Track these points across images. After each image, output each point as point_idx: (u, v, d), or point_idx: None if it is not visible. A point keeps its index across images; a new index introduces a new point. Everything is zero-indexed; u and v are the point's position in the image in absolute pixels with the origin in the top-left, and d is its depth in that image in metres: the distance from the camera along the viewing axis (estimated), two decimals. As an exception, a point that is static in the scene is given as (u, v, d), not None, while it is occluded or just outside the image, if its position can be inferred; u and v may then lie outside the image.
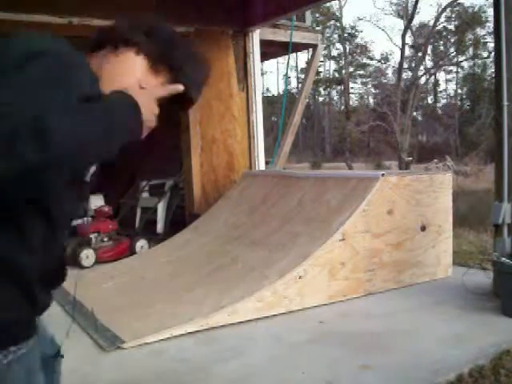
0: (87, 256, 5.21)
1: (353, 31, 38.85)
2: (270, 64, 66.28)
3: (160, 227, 6.70)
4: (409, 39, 31.75)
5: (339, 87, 41.50)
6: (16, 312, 1.04)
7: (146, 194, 7.25)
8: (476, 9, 30.84)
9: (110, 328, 3.31)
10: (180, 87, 1.16)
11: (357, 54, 39.53)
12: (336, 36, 38.48)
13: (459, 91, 39.96)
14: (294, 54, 27.92)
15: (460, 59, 34.16)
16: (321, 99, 44.10)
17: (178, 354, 2.96)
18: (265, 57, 7.63)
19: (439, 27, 31.66)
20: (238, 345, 3.08)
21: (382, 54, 42.99)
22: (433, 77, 36.13)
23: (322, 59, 35.45)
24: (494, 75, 4.06)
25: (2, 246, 0.98)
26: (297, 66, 41.49)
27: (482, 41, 31.36)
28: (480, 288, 3.94)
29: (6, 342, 1.02)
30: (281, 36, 6.96)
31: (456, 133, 32.79)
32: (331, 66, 42.24)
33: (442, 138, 34.72)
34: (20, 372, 1.04)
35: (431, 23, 30.33)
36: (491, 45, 29.19)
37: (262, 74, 24.52)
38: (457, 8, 30.85)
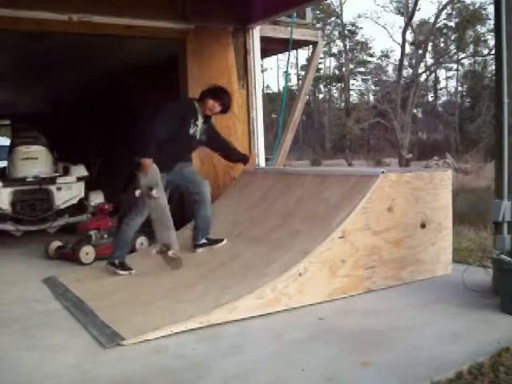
0: (87, 253, 5.21)
1: (353, 28, 38.82)
2: (270, 61, 66.17)
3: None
4: (409, 36, 31.72)
5: (339, 84, 41.46)
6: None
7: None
8: (476, 6, 30.82)
9: (110, 325, 3.31)
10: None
11: (357, 51, 39.49)
12: (336, 33, 38.44)
13: (459, 88, 39.91)
14: (295, 51, 27.90)
15: (460, 56, 34.11)
16: (321, 96, 44.08)
17: (178, 351, 2.96)
18: (265, 54, 7.61)
19: (440, 24, 31.65)
20: (239, 341, 3.08)
21: (382, 51, 42.82)
22: (433, 74, 36.10)
23: (322, 56, 35.41)
24: (494, 72, 4.05)
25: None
26: (297, 63, 41.46)
27: (482, 38, 31.31)
28: (480, 285, 3.94)
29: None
30: (281, 33, 6.94)
31: (456, 130, 32.76)
32: (331, 63, 42.20)
33: (442, 135, 34.68)
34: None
35: (432, 20, 30.33)
36: (492, 42, 29.18)
37: (262, 71, 24.48)
38: (457, 5, 30.81)
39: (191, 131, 4.55)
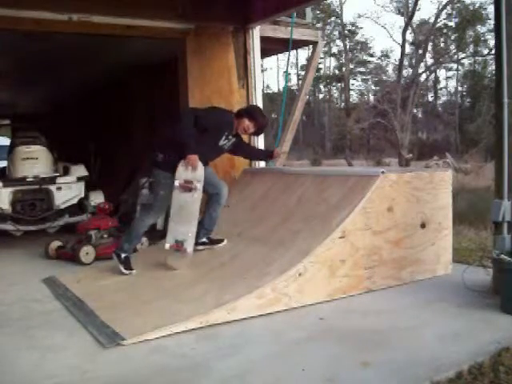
0: (87, 253, 5.21)
1: (353, 28, 38.82)
2: (270, 61, 66.20)
3: (160, 224, 6.69)
4: (409, 36, 31.72)
5: (339, 84, 41.46)
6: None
7: (146, 191, 7.23)
8: (476, 6, 30.78)
9: (110, 325, 3.31)
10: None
11: (357, 50, 39.50)
12: (336, 33, 38.44)
13: (459, 88, 39.92)
14: (294, 51, 27.90)
15: (460, 56, 34.10)
16: (321, 96, 44.09)
17: (177, 351, 2.96)
18: (265, 53, 7.61)
19: (440, 24, 31.61)
20: (238, 341, 3.08)
21: (382, 51, 42.86)
22: (433, 74, 36.08)
23: (322, 56, 35.40)
24: (494, 72, 4.05)
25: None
26: (297, 63, 41.47)
27: (482, 38, 31.31)
28: (480, 285, 3.94)
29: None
30: (281, 33, 6.94)
31: (456, 130, 32.76)
32: (331, 62, 42.21)
33: (442, 135, 34.67)
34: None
35: (432, 20, 30.30)
36: (492, 42, 29.17)
37: (262, 71, 24.44)
38: (457, 5, 30.78)
39: (221, 142, 4.61)
